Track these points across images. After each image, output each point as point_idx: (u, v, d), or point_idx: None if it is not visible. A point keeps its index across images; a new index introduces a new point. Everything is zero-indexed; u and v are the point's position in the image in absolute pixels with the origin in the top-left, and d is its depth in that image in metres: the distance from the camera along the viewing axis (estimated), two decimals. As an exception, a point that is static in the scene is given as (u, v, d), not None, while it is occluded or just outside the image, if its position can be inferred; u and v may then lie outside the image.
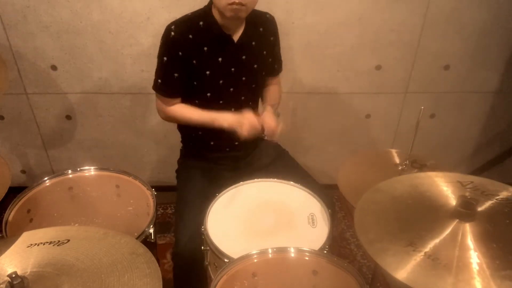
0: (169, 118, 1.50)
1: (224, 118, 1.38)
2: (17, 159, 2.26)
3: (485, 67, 2.14)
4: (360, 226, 0.92)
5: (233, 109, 1.48)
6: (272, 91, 1.62)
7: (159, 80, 1.43)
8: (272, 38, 1.53)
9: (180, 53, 1.36)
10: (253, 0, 1.30)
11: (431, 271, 0.79)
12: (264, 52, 1.51)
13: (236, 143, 1.46)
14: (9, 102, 2.08)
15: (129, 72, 2.02)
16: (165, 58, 1.38)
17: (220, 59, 1.41)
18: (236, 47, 1.42)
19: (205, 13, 1.39)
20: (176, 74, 1.40)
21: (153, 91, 1.46)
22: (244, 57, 1.44)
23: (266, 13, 1.51)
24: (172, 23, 1.37)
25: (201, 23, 1.38)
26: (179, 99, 1.46)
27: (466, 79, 2.17)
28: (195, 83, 1.42)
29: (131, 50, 1.96)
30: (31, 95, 2.06)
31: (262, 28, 1.48)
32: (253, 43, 1.46)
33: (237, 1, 1.24)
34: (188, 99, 1.46)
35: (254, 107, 1.58)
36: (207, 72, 1.41)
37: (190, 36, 1.36)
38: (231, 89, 1.47)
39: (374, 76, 2.12)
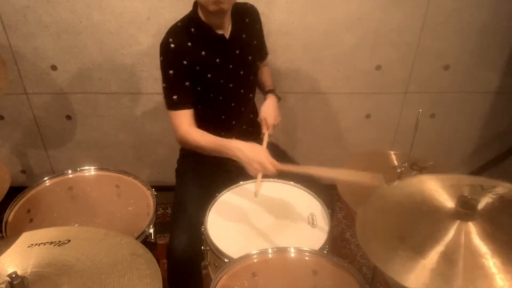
0: (185, 140, 1.40)
1: (237, 148, 1.27)
2: (17, 159, 2.26)
3: (485, 67, 2.14)
4: (363, 234, 0.91)
5: (232, 104, 1.50)
6: (265, 73, 1.65)
7: (174, 97, 1.37)
8: (258, 26, 1.55)
9: (184, 62, 1.35)
10: None
11: (436, 274, 0.78)
12: (255, 42, 1.53)
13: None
14: (9, 102, 2.07)
15: (129, 72, 2.02)
16: (171, 72, 1.35)
17: (218, 59, 1.42)
18: (229, 44, 1.43)
19: (193, 19, 1.38)
20: (187, 83, 1.38)
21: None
22: (237, 51, 1.45)
23: (246, 3, 1.51)
24: (167, 36, 1.36)
25: (192, 29, 1.38)
26: (192, 110, 1.40)
27: (466, 79, 2.17)
28: (198, 88, 1.42)
29: (131, 50, 1.96)
30: (31, 95, 2.06)
31: (248, 19, 1.49)
32: (243, 35, 1.47)
33: None
34: None
35: (252, 98, 1.62)
36: (209, 75, 1.41)
37: (189, 44, 1.36)
38: (231, 85, 1.47)
39: (374, 76, 2.12)
